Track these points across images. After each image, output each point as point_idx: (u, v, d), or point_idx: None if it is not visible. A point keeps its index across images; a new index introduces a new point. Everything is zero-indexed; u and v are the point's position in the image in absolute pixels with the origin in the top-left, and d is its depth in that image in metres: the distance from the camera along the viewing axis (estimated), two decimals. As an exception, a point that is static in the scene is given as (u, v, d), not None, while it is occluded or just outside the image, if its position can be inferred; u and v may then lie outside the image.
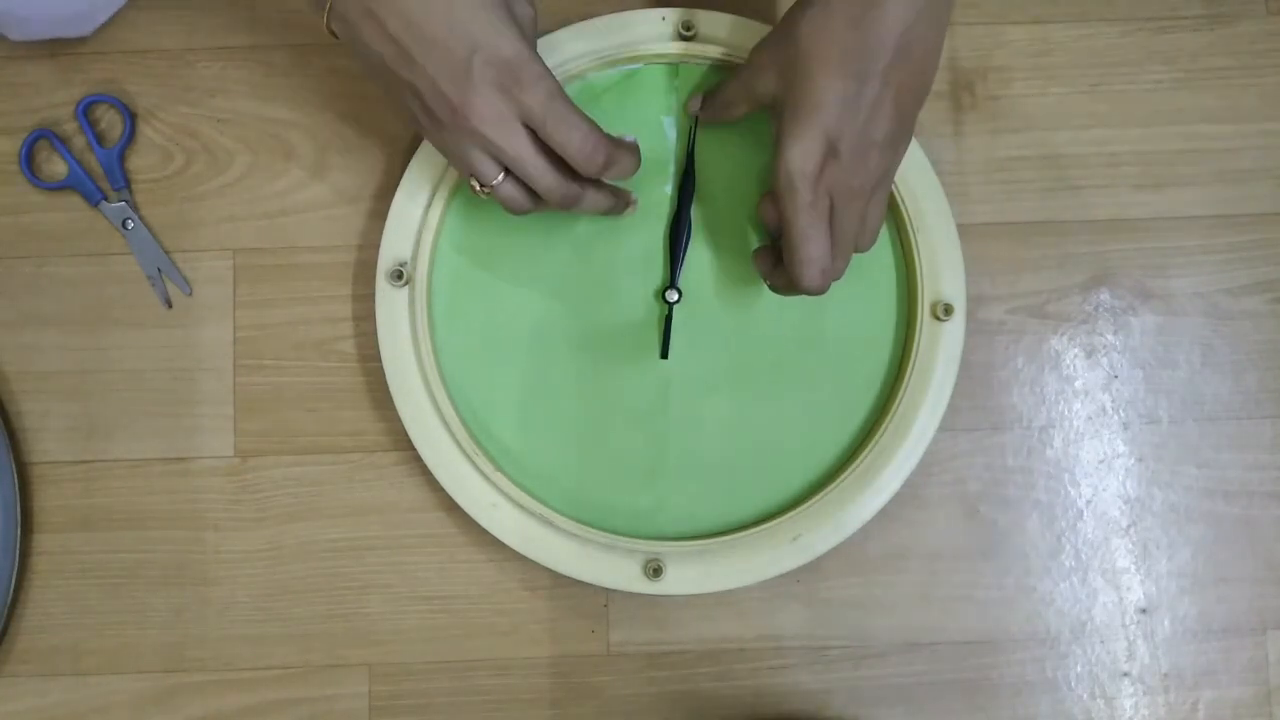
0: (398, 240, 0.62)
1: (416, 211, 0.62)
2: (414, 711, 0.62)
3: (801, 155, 0.52)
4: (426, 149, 0.62)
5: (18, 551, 0.61)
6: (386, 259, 0.61)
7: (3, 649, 0.62)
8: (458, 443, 0.60)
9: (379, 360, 0.62)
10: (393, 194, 0.64)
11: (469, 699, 0.62)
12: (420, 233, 0.61)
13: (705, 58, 0.62)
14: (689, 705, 0.63)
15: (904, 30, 0.51)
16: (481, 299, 0.62)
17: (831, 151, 0.52)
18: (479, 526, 0.60)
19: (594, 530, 0.60)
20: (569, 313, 0.62)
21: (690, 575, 0.60)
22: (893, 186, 0.61)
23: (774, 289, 0.58)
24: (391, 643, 0.63)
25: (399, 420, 0.61)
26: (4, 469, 0.61)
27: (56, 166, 0.65)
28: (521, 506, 0.60)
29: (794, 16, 0.54)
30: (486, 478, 0.60)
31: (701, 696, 0.63)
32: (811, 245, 0.53)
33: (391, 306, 0.61)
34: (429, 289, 0.62)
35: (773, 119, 0.56)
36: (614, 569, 0.60)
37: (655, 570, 0.60)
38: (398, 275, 0.61)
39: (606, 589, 0.61)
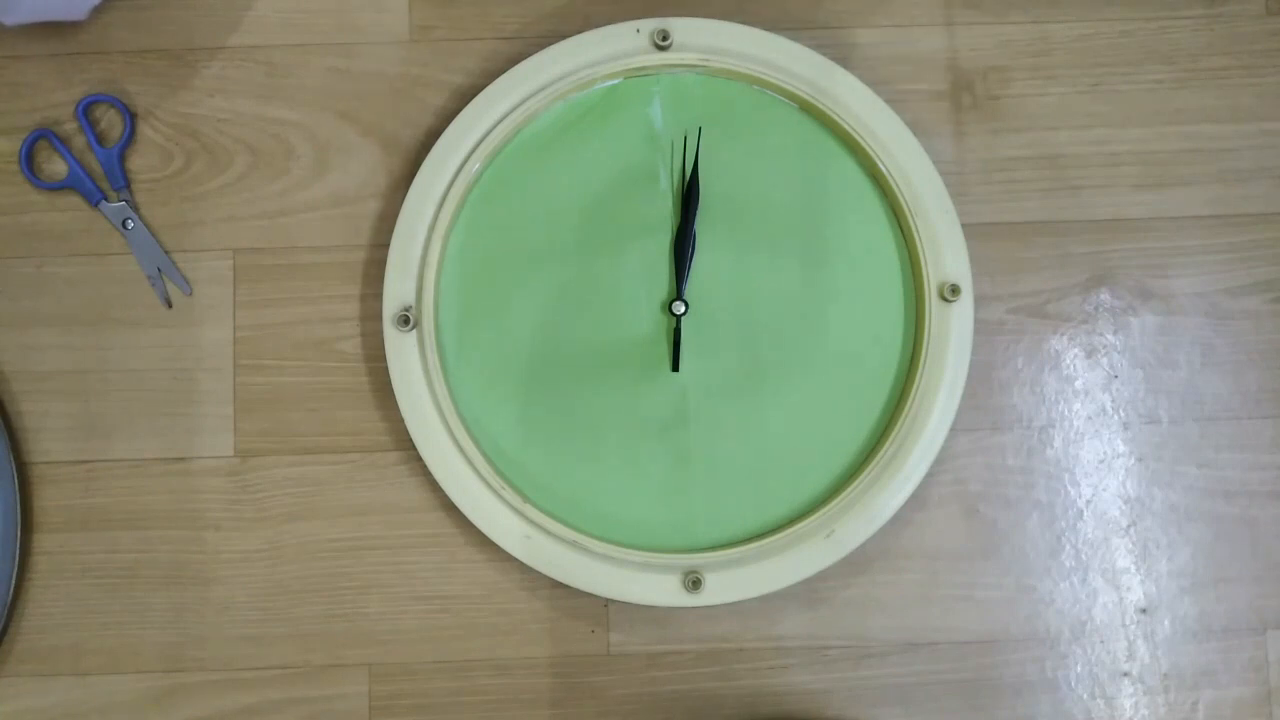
0: (400, 283, 0.61)
1: (415, 252, 0.61)
2: (414, 711, 0.62)
3: None
4: (418, 187, 0.61)
5: (18, 551, 0.61)
6: (391, 304, 0.61)
7: (3, 649, 0.62)
8: (489, 485, 0.60)
9: (379, 360, 0.62)
10: (392, 193, 0.64)
11: (469, 699, 0.62)
12: (422, 273, 0.61)
13: (684, 65, 0.62)
14: (689, 705, 0.63)
15: None
16: (489, 332, 0.62)
17: None
18: (478, 527, 0.60)
19: (629, 550, 0.60)
20: (578, 335, 0.62)
21: (729, 583, 0.60)
22: (888, 175, 0.61)
23: None
24: (391, 643, 0.63)
25: (399, 420, 0.61)
26: (4, 469, 0.61)
27: (56, 166, 0.65)
28: (555, 535, 0.60)
29: None
30: (515, 509, 0.60)
31: (701, 696, 0.63)
32: None
33: (401, 352, 0.61)
34: (436, 328, 0.61)
35: None
36: (654, 586, 0.60)
37: (695, 582, 0.60)
38: (404, 320, 0.61)
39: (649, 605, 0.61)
